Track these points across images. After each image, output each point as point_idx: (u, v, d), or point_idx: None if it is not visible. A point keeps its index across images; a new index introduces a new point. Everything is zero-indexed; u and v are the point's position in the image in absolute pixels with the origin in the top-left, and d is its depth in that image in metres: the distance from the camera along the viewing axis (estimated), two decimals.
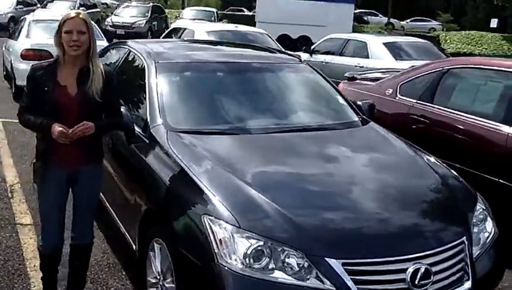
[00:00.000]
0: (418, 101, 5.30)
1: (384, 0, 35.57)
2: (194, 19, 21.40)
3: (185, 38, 10.04)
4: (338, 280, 2.54)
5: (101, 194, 3.68)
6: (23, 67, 9.36)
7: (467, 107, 4.90)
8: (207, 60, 4.35)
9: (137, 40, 5.75)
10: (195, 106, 3.86)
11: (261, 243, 2.58)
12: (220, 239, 2.62)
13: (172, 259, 2.87)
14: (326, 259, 2.57)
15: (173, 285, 2.90)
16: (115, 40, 9.73)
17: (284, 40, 16.77)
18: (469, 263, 2.86)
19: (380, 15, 39.26)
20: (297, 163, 3.34)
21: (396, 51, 10.32)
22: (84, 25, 2.94)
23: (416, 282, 2.62)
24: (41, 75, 2.99)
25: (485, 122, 4.59)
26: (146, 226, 3.24)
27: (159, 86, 3.82)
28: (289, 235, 2.63)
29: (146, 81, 3.90)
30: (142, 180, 3.40)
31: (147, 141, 3.52)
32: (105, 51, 5.20)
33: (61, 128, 2.88)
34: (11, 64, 10.08)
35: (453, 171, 3.61)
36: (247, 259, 2.56)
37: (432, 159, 3.68)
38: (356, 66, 10.15)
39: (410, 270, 2.62)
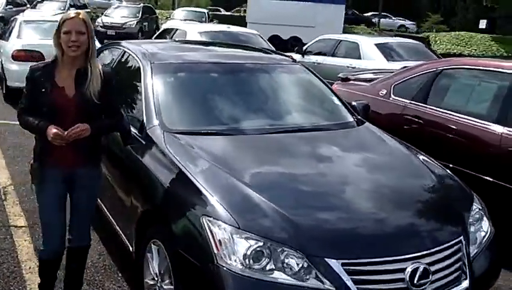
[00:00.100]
0: (412, 102, 5.32)
1: (375, 0, 35.54)
2: (185, 20, 21.35)
3: (178, 39, 10.01)
4: (337, 280, 2.55)
5: None
6: (14, 68, 9.31)
7: (460, 108, 4.93)
8: (203, 60, 4.35)
9: (131, 40, 5.73)
10: (191, 107, 3.85)
11: (261, 243, 2.59)
12: (219, 240, 2.62)
13: (170, 260, 2.86)
14: (326, 259, 2.58)
15: (171, 286, 2.90)
16: (105, 41, 9.68)
17: (274, 40, 16.78)
18: (466, 262, 2.88)
19: (392, 17, 37.44)
20: (295, 164, 3.35)
21: (388, 51, 10.36)
22: (83, 25, 2.92)
23: (415, 281, 2.63)
24: (39, 76, 2.96)
25: (479, 122, 4.62)
26: (143, 227, 3.23)
27: (155, 87, 3.81)
28: (288, 235, 2.64)
29: (142, 82, 3.89)
30: (139, 182, 3.39)
31: (143, 142, 3.51)
32: (98, 52, 5.17)
33: (56, 130, 2.86)
34: (2, 65, 9.99)
35: (448, 171, 3.64)
36: (246, 260, 2.56)
37: (428, 159, 3.70)
38: (348, 67, 10.18)
39: (409, 269, 2.64)
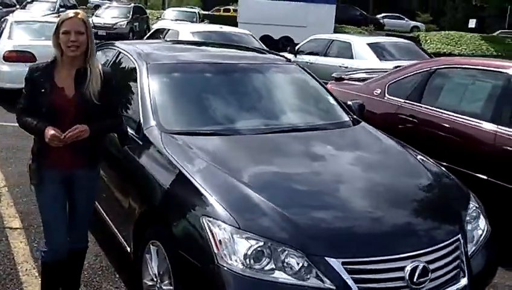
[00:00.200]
0: (406, 101, 5.35)
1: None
2: (176, 20, 21.31)
3: (172, 40, 9.98)
4: (338, 279, 2.55)
5: None
6: (6, 69, 9.25)
7: (454, 107, 4.97)
8: (199, 61, 4.34)
9: (125, 41, 5.71)
10: (189, 107, 3.84)
11: (261, 243, 2.59)
12: (220, 240, 2.62)
13: (170, 261, 2.86)
14: (326, 258, 2.58)
15: (171, 287, 2.89)
16: (96, 42, 9.62)
17: (266, 40, 16.81)
18: (464, 260, 2.90)
19: (405, 18, 36.53)
20: (293, 163, 3.36)
21: (380, 51, 10.40)
22: (82, 25, 2.90)
23: (415, 280, 2.64)
24: (38, 76, 2.94)
25: (473, 121, 4.66)
26: (141, 228, 3.22)
27: (151, 87, 3.80)
28: (289, 235, 2.64)
29: (138, 82, 3.88)
30: (137, 182, 3.38)
31: (141, 143, 3.50)
32: None
33: (53, 132, 2.83)
34: None
35: (445, 170, 3.66)
36: (247, 260, 2.56)
37: (424, 158, 3.72)
38: (341, 67, 10.21)
39: (408, 268, 2.65)
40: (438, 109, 5.02)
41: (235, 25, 17.33)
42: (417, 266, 2.67)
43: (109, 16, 22.57)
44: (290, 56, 11.64)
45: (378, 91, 5.71)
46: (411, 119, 5.21)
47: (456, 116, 4.81)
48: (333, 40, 11.62)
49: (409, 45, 11.61)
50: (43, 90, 2.91)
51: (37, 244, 4.15)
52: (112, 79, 3.09)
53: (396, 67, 6.94)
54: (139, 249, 3.26)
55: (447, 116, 4.89)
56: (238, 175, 3.03)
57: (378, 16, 35.34)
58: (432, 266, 2.72)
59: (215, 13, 30.13)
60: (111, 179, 3.78)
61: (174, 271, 2.84)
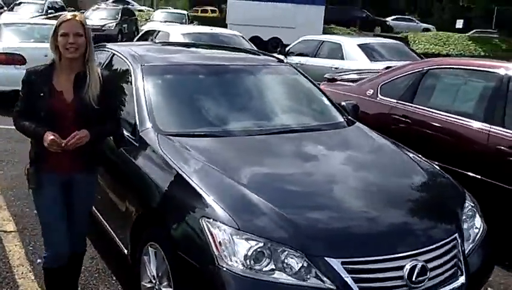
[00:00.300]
0: (399, 102, 5.39)
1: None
2: (165, 21, 21.24)
3: (166, 41, 9.94)
4: (338, 278, 2.57)
5: None
6: None
7: (447, 107, 5.01)
8: (194, 62, 4.34)
9: (118, 43, 5.70)
10: (185, 109, 3.84)
11: (261, 244, 2.60)
12: (220, 241, 2.62)
13: (169, 263, 2.85)
14: (326, 258, 2.60)
15: (170, 289, 2.89)
16: None
17: (255, 41, 16.83)
18: (462, 259, 2.93)
19: (416, 21, 36.22)
20: (291, 164, 3.37)
21: (370, 52, 10.42)
22: (81, 27, 2.88)
23: (414, 279, 2.66)
24: (36, 80, 2.90)
25: (466, 121, 4.70)
26: (139, 230, 3.21)
27: (146, 89, 3.79)
28: (288, 235, 2.65)
29: (133, 84, 3.87)
30: (134, 184, 3.37)
31: (137, 145, 3.49)
32: None
33: (52, 137, 2.80)
34: None
35: (440, 169, 3.69)
36: (247, 260, 2.57)
37: (420, 158, 3.75)
38: (331, 68, 10.23)
39: (408, 267, 2.67)
40: (430, 109, 5.06)
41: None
42: (416, 265, 2.69)
43: (97, 17, 22.42)
44: (280, 57, 11.66)
45: (371, 92, 5.74)
46: (404, 119, 5.25)
47: (449, 116, 4.85)
48: (323, 41, 11.64)
49: (398, 46, 11.68)
50: (41, 94, 2.88)
51: (32, 247, 4.14)
52: (111, 82, 3.07)
53: (387, 67, 6.98)
54: (136, 251, 3.25)
55: (440, 116, 4.93)
56: (236, 176, 3.04)
57: (388, 18, 35.43)
58: (430, 265, 2.74)
59: (193, 14, 29.98)
60: (107, 181, 3.76)
61: (173, 273, 2.83)
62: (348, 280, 2.57)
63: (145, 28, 15.36)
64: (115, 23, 21.89)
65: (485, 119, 4.57)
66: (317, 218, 2.84)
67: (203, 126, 3.70)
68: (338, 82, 6.62)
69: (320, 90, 4.64)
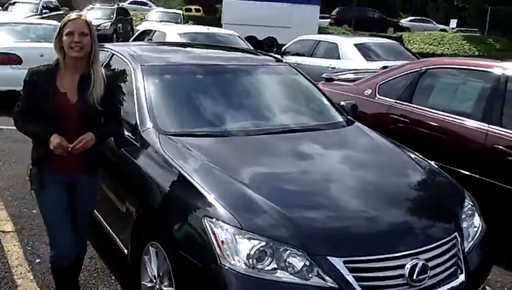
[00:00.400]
0: (397, 101, 5.41)
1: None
2: (160, 21, 21.20)
3: (161, 41, 9.94)
4: (340, 277, 2.58)
5: None
6: None
7: (445, 106, 5.03)
8: (194, 62, 4.35)
9: (117, 43, 5.69)
10: (186, 109, 3.85)
11: (264, 243, 2.60)
12: (222, 241, 2.63)
13: (171, 262, 2.86)
14: (328, 257, 2.60)
15: (171, 288, 2.89)
16: None
17: (250, 41, 16.85)
18: (461, 257, 2.95)
19: (433, 22, 35.50)
20: (292, 164, 3.38)
21: (366, 51, 10.45)
22: (86, 26, 2.86)
23: (414, 277, 2.68)
24: (39, 80, 2.87)
25: (464, 120, 4.72)
26: (140, 230, 3.21)
27: (147, 89, 3.79)
28: (290, 234, 2.66)
29: (133, 84, 3.86)
30: (135, 184, 3.37)
31: (138, 145, 3.49)
32: None
33: (59, 141, 2.79)
34: None
35: (439, 169, 3.71)
36: (250, 260, 2.57)
37: (419, 157, 3.77)
38: (328, 67, 10.25)
39: (408, 266, 2.69)
40: (428, 109, 5.08)
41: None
42: (417, 264, 2.70)
43: (92, 17, 22.30)
44: (279, 57, 11.68)
45: (369, 91, 5.75)
46: (402, 119, 5.26)
47: (447, 116, 4.87)
48: (320, 41, 11.66)
49: (394, 45, 11.72)
50: (44, 95, 2.85)
51: (30, 247, 4.13)
52: (115, 83, 3.06)
53: (384, 67, 7.01)
54: (137, 250, 3.25)
55: (438, 115, 4.95)
56: (238, 176, 3.04)
57: (403, 20, 35.43)
58: (430, 264, 2.76)
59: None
60: (107, 181, 3.75)
61: (174, 272, 2.84)
62: (350, 278, 2.58)
63: (140, 27, 15.32)
64: (109, 23, 21.80)
65: (483, 119, 4.59)
66: (319, 217, 2.85)
67: (204, 126, 3.70)
68: (335, 82, 6.62)
69: (320, 90, 4.64)
